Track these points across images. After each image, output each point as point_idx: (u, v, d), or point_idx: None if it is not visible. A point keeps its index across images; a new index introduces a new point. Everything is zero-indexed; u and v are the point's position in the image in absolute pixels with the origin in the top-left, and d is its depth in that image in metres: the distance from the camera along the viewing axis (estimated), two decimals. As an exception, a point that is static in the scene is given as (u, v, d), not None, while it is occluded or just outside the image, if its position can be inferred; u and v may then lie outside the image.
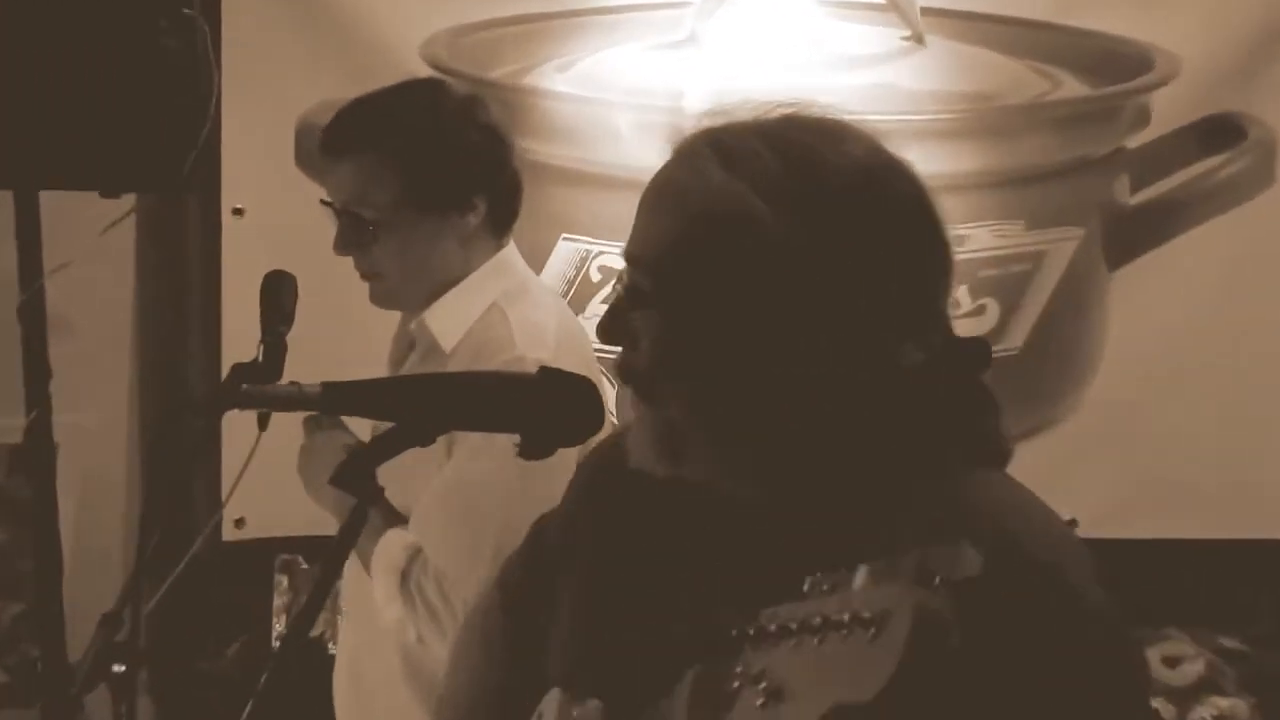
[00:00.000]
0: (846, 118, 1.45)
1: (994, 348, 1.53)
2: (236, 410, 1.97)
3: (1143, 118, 3.87)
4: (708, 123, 1.45)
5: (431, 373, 2.33)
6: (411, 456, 1.67)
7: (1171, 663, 3.79)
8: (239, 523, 3.77)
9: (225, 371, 2.08)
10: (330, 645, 3.08)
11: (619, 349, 1.45)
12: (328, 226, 2.48)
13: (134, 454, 3.95)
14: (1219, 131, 3.88)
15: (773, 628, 1.16)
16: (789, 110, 1.44)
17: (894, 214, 1.40)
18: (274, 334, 2.28)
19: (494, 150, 2.49)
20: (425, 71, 3.51)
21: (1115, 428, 3.88)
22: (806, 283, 1.37)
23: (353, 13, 3.74)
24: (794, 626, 1.14)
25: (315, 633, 3.40)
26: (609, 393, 1.91)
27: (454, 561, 2.35)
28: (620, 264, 1.45)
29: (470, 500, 2.35)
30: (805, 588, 1.16)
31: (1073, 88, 3.88)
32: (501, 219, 2.51)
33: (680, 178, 1.43)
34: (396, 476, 1.72)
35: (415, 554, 2.39)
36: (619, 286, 1.45)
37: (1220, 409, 3.89)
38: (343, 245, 2.47)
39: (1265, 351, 3.89)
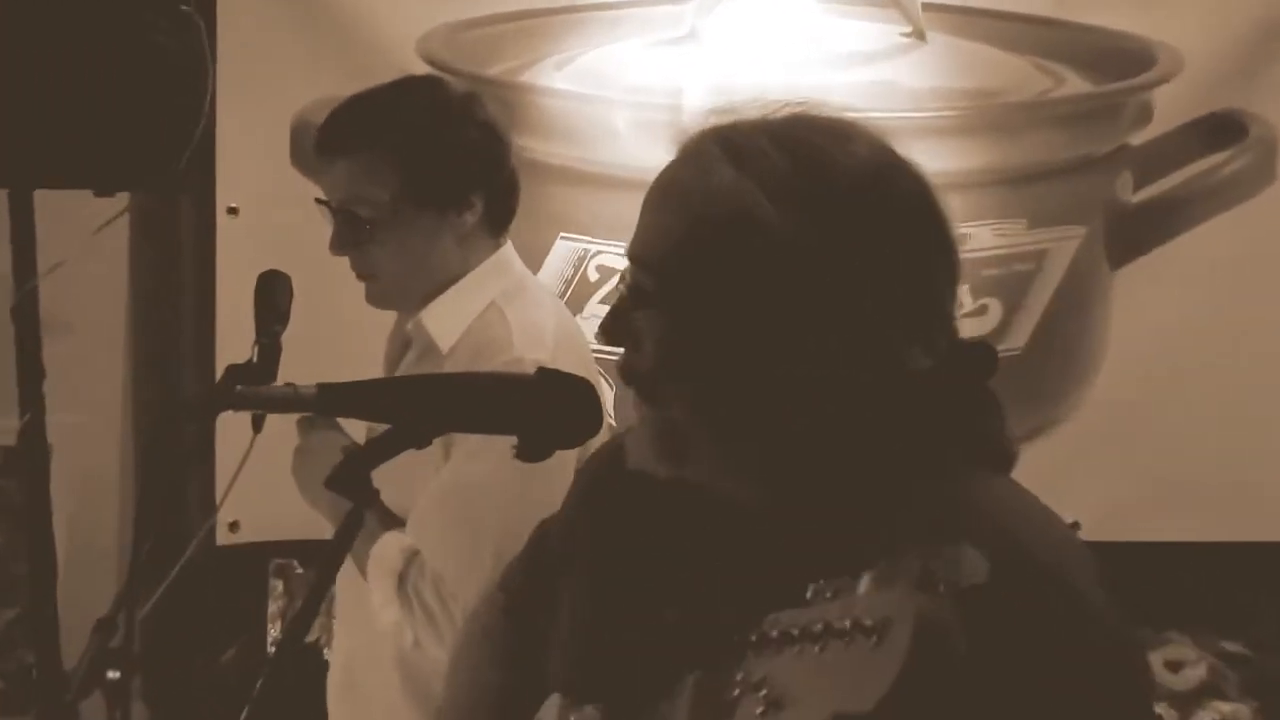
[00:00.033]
0: (854, 117, 1.44)
1: (997, 348, 1.52)
2: (231, 412, 1.96)
3: (1145, 115, 3.87)
4: (714, 121, 1.44)
5: (428, 374, 2.32)
6: (408, 459, 1.65)
7: (1174, 667, 3.78)
8: (233, 526, 3.74)
9: (220, 372, 2.07)
10: (326, 651, 3.06)
11: (621, 350, 1.44)
12: (324, 226, 2.47)
13: (128, 455, 3.94)
14: (1221, 129, 3.87)
15: (775, 634, 1.16)
16: (796, 109, 1.44)
17: (902, 214, 1.40)
18: (269, 334, 2.27)
19: (492, 148, 2.48)
20: (423, 69, 3.50)
21: (1116, 428, 3.87)
22: (813, 282, 1.36)
23: (350, 11, 3.72)
24: (796, 633, 1.14)
25: (311, 638, 3.38)
26: (607, 394, 1.89)
27: (452, 564, 2.33)
28: (619, 263, 1.44)
29: (468, 503, 2.34)
30: (809, 595, 1.15)
31: (1075, 84, 3.87)
32: (499, 217, 2.50)
33: (687, 176, 1.43)
34: (393, 479, 1.71)
35: (412, 557, 2.38)
36: (621, 286, 1.44)
37: (1222, 409, 3.88)
38: (339, 244, 2.46)
39: (1267, 351, 3.89)
